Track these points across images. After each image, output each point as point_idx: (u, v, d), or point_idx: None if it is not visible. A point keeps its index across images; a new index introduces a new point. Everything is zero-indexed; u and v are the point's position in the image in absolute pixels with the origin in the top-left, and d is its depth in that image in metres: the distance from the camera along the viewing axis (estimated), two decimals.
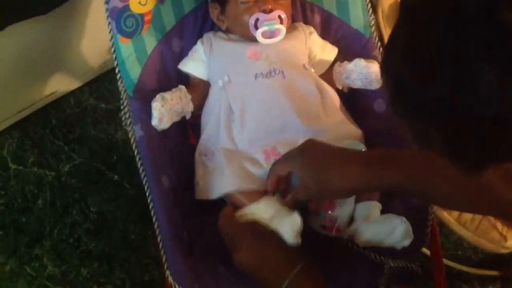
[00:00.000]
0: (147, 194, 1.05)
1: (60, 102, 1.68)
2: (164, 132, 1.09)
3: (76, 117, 1.67)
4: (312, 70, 1.17)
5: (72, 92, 1.70)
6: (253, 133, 1.09)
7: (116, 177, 1.60)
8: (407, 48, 0.54)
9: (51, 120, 1.65)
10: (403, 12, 0.55)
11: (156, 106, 1.05)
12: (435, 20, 0.51)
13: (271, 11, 1.10)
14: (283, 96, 1.09)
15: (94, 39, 1.57)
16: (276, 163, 0.99)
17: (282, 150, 1.04)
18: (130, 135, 1.10)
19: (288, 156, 0.97)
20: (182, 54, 1.19)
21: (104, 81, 1.72)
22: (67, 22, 1.49)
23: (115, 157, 1.63)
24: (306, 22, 1.24)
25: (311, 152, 0.95)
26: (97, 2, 1.47)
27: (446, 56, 0.50)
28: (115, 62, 1.10)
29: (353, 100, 1.20)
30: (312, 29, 1.21)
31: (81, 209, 1.55)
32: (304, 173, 0.93)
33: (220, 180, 1.05)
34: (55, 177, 1.58)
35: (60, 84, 1.65)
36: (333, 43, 1.23)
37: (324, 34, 1.24)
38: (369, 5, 1.22)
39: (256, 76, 1.11)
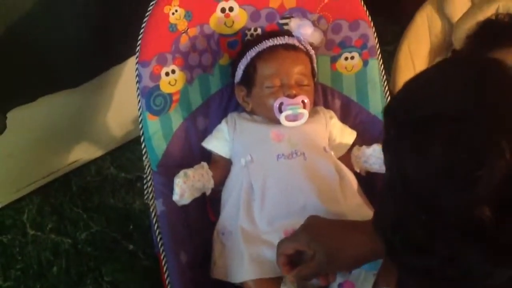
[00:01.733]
0: (164, 268, 1.06)
1: (82, 170, 1.72)
2: (184, 207, 1.12)
3: (96, 185, 1.71)
4: (332, 153, 1.19)
5: (94, 161, 1.74)
6: (273, 213, 1.10)
7: (131, 246, 1.61)
8: (396, 222, 0.59)
9: (72, 187, 1.69)
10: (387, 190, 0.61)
11: (179, 182, 1.08)
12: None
13: (295, 96, 1.14)
14: (304, 177, 1.11)
15: (119, 111, 1.63)
16: (281, 242, 0.99)
17: None
18: (151, 209, 1.12)
19: (293, 234, 0.98)
20: (206, 132, 1.23)
21: (126, 150, 1.76)
22: (95, 95, 1.55)
23: (131, 226, 1.64)
24: (327, 106, 1.28)
25: (316, 227, 0.96)
26: (123, 77, 1.54)
27: (433, 235, 0.56)
28: (142, 138, 1.14)
29: (371, 183, 1.22)
30: (332, 113, 1.25)
31: (95, 278, 1.54)
32: (312, 248, 0.93)
33: (239, 267, 1.06)
34: (71, 245, 1.59)
35: (84, 153, 1.70)
36: (352, 127, 1.26)
37: (344, 118, 1.28)
38: (388, 92, 1.27)
39: (278, 157, 1.14)
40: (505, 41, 1.29)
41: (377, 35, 1.26)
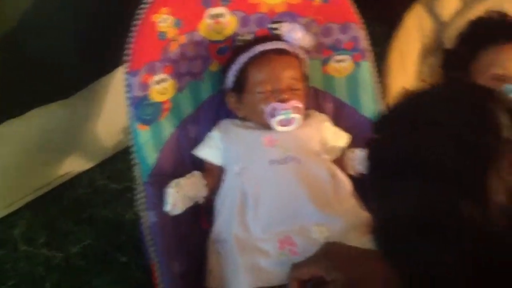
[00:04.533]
0: (157, 279, 1.04)
1: (73, 182, 1.69)
2: (177, 217, 1.10)
3: (88, 197, 1.68)
4: (326, 157, 1.18)
5: (85, 172, 1.71)
6: (267, 219, 1.09)
7: (123, 258, 1.58)
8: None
9: (63, 200, 1.66)
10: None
11: (171, 192, 1.07)
12: None
13: (287, 100, 1.13)
14: (297, 182, 1.10)
15: (109, 121, 1.61)
16: (296, 266, 0.93)
17: (297, 240, 1.04)
18: (143, 220, 1.10)
19: (311, 260, 0.93)
20: (198, 140, 1.21)
21: (117, 161, 1.74)
22: (85, 106, 1.53)
23: (123, 238, 1.62)
24: (319, 110, 1.27)
25: (339, 254, 0.92)
26: (112, 87, 1.52)
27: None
28: (132, 148, 1.12)
29: (365, 186, 1.21)
30: (325, 116, 1.24)
31: None
32: (332, 276, 0.89)
33: (235, 276, 1.04)
34: (63, 259, 1.56)
35: (75, 165, 1.67)
36: (345, 130, 1.25)
37: (337, 121, 1.26)
38: (379, 93, 1.26)
39: (271, 163, 1.13)
40: (497, 39, 1.29)
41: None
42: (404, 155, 0.60)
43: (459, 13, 1.35)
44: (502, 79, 1.26)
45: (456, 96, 0.62)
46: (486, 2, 1.34)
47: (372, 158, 0.66)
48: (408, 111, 0.64)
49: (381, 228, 0.65)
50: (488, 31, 1.31)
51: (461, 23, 1.34)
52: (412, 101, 0.65)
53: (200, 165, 1.19)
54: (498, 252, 0.55)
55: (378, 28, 1.62)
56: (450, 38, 1.35)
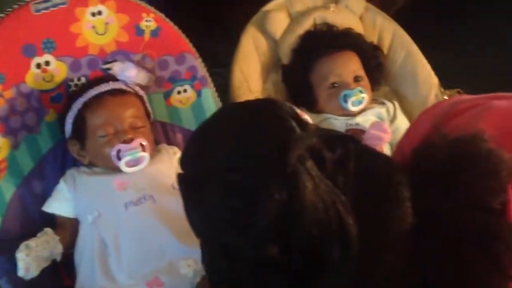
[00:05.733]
0: None
1: None
2: (34, 280, 1.03)
3: None
4: None
5: None
6: (132, 264, 1.06)
7: None
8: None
9: None
10: None
11: (21, 256, 1.01)
12: None
13: (131, 140, 1.12)
14: (156, 220, 1.09)
15: None
16: None
17: (165, 279, 1.04)
18: None
19: None
20: (46, 195, 1.15)
21: None
22: None
23: None
24: (170, 142, 1.27)
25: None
26: None
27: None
28: None
29: None
30: (176, 149, 1.24)
31: None
32: None
33: None
34: None
35: None
36: None
37: None
38: None
39: (126, 206, 1.10)
40: (327, 49, 1.37)
41: (212, 58, 1.27)
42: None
43: (288, 29, 1.41)
44: (339, 86, 1.34)
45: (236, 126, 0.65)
46: (311, 16, 1.42)
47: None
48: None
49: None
50: (317, 43, 1.39)
51: (292, 39, 1.41)
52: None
53: (53, 222, 1.13)
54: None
55: (222, 48, 1.66)
56: (285, 54, 1.41)
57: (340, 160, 0.60)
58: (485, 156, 0.61)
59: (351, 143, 0.63)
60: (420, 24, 1.60)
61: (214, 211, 0.62)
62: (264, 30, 1.41)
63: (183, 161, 0.68)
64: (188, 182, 0.66)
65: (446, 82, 1.44)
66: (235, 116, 0.66)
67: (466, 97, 0.79)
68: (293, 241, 0.58)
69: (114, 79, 1.17)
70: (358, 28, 1.44)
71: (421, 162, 0.64)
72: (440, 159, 0.62)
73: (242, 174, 0.59)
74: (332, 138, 0.63)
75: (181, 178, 0.67)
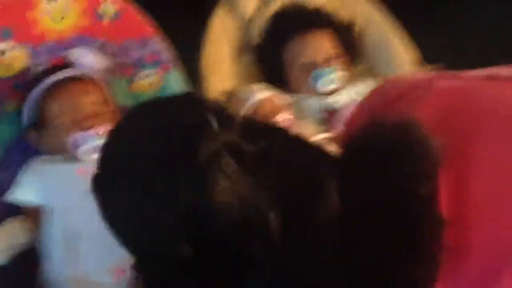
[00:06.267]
0: None
1: None
2: (1, 268, 1.05)
3: None
4: None
5: None
6: (98, 251, 1.05)
7: None
8: None
9: None
10: None
11: None
12: None
13: (90, 128, 1.10)
14: None
15: None
16: None
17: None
18: None
19: None
20: (9, 186, 1.14)
21: None
22: None
23: None
24: None
25: None
26: None
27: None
28: None
29: None
30: None
31: None
32: None
33: None
34: None
35: None
36: None
37: None
38: None
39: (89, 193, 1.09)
40: (298, 29, 1.34)
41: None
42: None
43: (258, 10, 1.39)
44: (310, 66, 1.31)
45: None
46: None
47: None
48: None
49: None
50: (288, 24, 1.36)
51: (263, 20, 1.38)
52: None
53: (18, 211, 1.13)
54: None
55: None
56: (255, 36, 1.38)
57: (263, 153, 0.59)
58: (413, 143, 0.59)
59: (278, 135, 0.62)
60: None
61: (126, 210, 0.61)
62: (234, 11, 1.39)
63: (98, 160, 0.67)
64: (101, 182, 0.65)
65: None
66: (150, 113, 0.65)
67: (406, 77, 0.77)
68: (207, 240, 0.57)
69: (72, 66, 1.15)
70: (332, 4, 1.41)
71: (354, 152, 0.63)
72: (371, 148, 0.61)
73: (152, 172, 0.58)
74: (257, 131, 0.62)
75: (93, 178, 0.66)
